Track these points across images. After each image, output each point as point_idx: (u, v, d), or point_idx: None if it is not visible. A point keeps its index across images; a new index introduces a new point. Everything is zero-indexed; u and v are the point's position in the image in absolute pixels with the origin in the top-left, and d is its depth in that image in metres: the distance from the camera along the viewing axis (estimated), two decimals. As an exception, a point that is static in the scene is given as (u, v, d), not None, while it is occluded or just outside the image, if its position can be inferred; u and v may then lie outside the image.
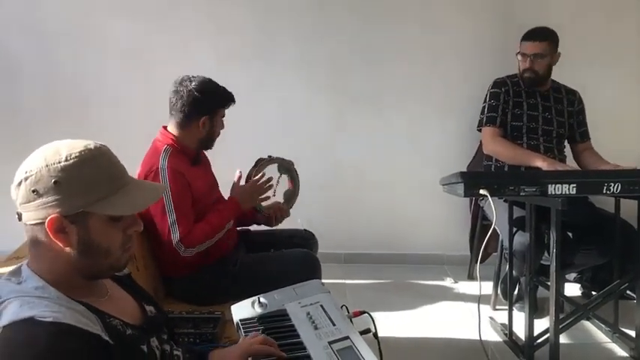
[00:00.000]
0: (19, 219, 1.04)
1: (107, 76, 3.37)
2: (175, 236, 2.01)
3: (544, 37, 2.77)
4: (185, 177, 2.06)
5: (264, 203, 2.36)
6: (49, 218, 0.99)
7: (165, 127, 2.18)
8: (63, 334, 0.92)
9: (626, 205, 2.50)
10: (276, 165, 2.42)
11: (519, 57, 2.84)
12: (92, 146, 1.06)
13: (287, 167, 2.44)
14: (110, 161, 1.08)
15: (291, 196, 2.48)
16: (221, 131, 2.25)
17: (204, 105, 2.11)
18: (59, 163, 1.00)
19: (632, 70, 3.48)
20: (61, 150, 1.02)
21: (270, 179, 2.31)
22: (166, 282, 2.19)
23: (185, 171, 2.08)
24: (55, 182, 0.99)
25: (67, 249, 1.02)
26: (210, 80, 2.15)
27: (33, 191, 1.00)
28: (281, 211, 2.41)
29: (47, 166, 1.00)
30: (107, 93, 3.38)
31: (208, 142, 2.22)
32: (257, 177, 2.28)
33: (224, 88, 2.17)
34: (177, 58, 3.16)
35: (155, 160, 2.06)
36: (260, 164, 2.35)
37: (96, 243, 1.04)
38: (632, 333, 2.49)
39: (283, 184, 2.46)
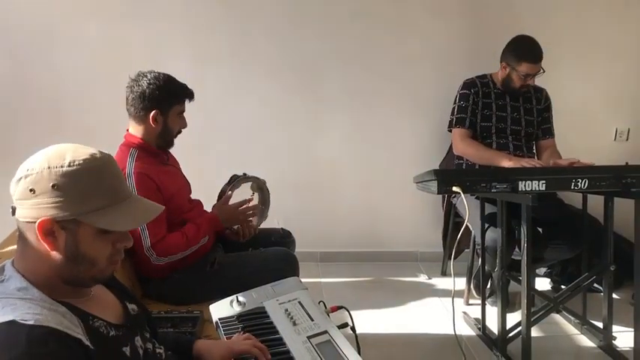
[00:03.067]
0: (13, 213, 1.04)
1: (80, 77, 3.33)
2: (146, 242, 2.00)
3: (542, 56, 2.79)
4: (153, 180, 2.04)
5: None
6: (39, 220, 0.99)
7: (127, 131, 2.17)
8: (43, 337, 0.92)
9: (593, 200, 2.58)
10: (249, 184, 2.43)
11: (518, 75, 2.82)
12: (98, 155, 1.06)
13: (260, 186, 2.46)
14: (112, 174, 1.08)
15: (261, 214, 2.49)
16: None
17: (154, 99, 2.06)
18: (61, 167, 1.00)
19: (601, 69, 3.58)
20: (66, 154, 1.02)
21: (255, 207, 2.34)
22: (143, 283, 2.18)
23: (153, 172, 2.06)
24: (52, 186, 0.99)
25: (53, 253, 1.02)
26: (165, 76, 2.10)
27: (30, 190, 1.00)
28: (249, 228, 2.38)
29: (49, 168, 1.00)
30: (80, 94, 3.34)
31: (166, 138, 2.17)
32: (248, 203, 2.31)
33: (180, 84, 2.13)
34: (152, 60, 3.14)
35: (122, 166, 2.02)
36: (235, 181, 2.36)
37: (82, 252, 1.04)
38: (600, 324, 2.57)
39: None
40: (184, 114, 2.20)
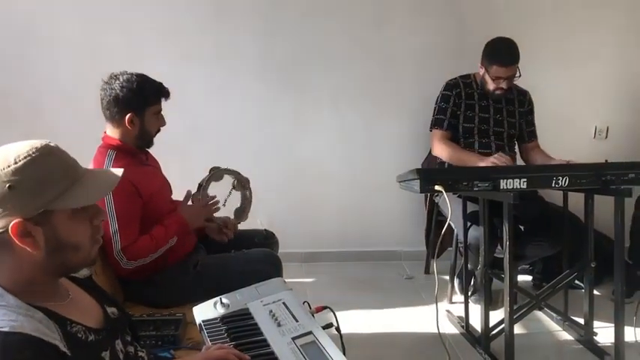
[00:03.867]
0: None
1: (59, 77, 3.29)
2: (117, 246, 1.97)
3: (516, 60, 2.77)
4: (132, 182, 2.01)
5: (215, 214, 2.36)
6: (11, 225, 0.96)
7: (105, 133, 2.14)
8: (19, 343, 0.90)
9: (574, 198, 2.60)
10: (231, 178, 2.41)
11: (491, 79, 2.83)
12: (39, 144, 1.03)
13: (242, 184, 2.44)
14: (61, 156, 1.06)
15: (241, 213, 2.47)
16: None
17: (128, 102, 2.03)
18: (9, 167, 0.97)
19: (579, 71, 3.61)
20: (8, 154, 0.99)
21: (217, 201, 2.32)
22: (125, 286, 2.15)
23: (132, 174, 2.01)
24: (9, 187, 0.96)
25: (36, 252, 1.00)
26: (138, 76, 2.06)
27: None
28: (229, 226, 2.37)
29: None
30: (59, 94, 3.30)
31: (144, 139, 2.13)
32: (207, 199, 2.28)
33: (154, 83, 2.09)
34: (134, 60, 3.10)
35: (99, 168, 2.01)
36: (213, 173, 2.34)
37: (65, 240, 1.03)
38: (581, 320, 2.60)
39: (236, 197, 2.48)
40: (163, 112, 2.16)
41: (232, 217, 2.46)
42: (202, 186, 2.32)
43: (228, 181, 2.42)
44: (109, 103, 2.04)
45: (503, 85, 2.82)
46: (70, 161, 1.08)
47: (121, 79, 2.04)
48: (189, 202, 2.27)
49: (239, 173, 2.43)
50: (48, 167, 1.02)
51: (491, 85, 2.86)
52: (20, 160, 0.98)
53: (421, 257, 3.56)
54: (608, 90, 3.68)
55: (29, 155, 1.00)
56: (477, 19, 3.41)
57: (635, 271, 3.13)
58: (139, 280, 2.11)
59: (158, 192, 2.18)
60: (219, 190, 2.37)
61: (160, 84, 2.11)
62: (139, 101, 2.05)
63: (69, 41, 3.27)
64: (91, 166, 2.06)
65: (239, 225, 2.45)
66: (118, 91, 2.02)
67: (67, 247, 1.04)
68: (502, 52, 2.79)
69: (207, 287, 1.93)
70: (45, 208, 1.00)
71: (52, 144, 1.06)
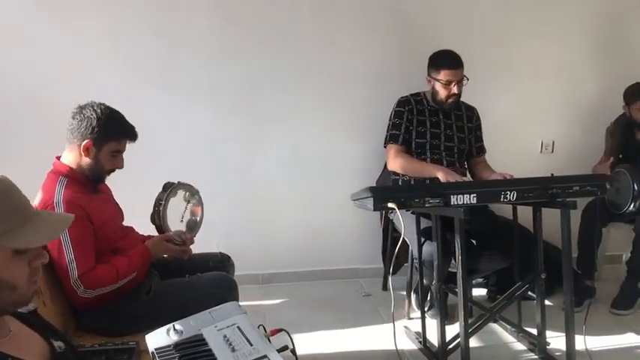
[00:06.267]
0: None
1: (9, 103, 3.18)
2: (74, 274, 1.93)
3: (461, 64, 2.90)
4: (83, 209, 1.97)
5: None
6: None
7: (58, 158, 2.11)
8: None
9: (523, 211, 2.67)
10: (184, 192, 2.40)
11: (441, 84, 2.92)
12: None
13: (193, 195, 2.43)
14: (14, 192, 1.03)
15: (194, 225, 2.45)
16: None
17: (90, 127, 2.01)
18: None
19: (525, 87, 3.74)
20: None
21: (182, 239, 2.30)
22: (76, 315, 2.10)
23: (83, 201, 2.00)
24: None
25: None
26: (112, 111, 2.07)
27: None
28: (186, 242, 2.32)
29: None
30: (8, 120, 3.19)
31: (95, 172, 2.09)
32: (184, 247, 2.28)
33: (125, 123, 2.09)
34: (81, 85, 3.04)
35: (50, 195, 1.97)
36: (171, 189, 2.32)
37: (1, 278, 0.99)
38: (535, 331, 2.66)
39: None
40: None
41: (185, 229, 2.42)
42: (162, 204, 2.29)
43: (181, 195, 2.40)
44: (73, 125, 2.03)
45: (455, 89, 2.92)
46: (22, 199, 1.05)
47: (94, 107, 2.03)
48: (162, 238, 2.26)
49: (191, 186, 2.42)
50: (1, 203, 0.99)
51: (443, 93, 2.95)
52: None
53: (379, 274, 3.58)
54: (554, 105, 3.81)
55: None
56: (423, 37, 3.49)
57: (584, 281, 3.23)
58: (90, 310, 2.06)
59: (109, 221, 2.14)
60: (174, 204, 2.36)
61: (131, 126, 2.11)
62: (101, 132, 2.03)
63: (14, 64, 3.18)
64: (39, 192, 2.02)
65: (194, 249, 2.41)
66: (86, 115, 2.01)
67: (2, 286, 1.00)
68: (449, 57, 2.93)
69: (161, 314, 1.88)
70: None
71: (6, 178, 1.03)
